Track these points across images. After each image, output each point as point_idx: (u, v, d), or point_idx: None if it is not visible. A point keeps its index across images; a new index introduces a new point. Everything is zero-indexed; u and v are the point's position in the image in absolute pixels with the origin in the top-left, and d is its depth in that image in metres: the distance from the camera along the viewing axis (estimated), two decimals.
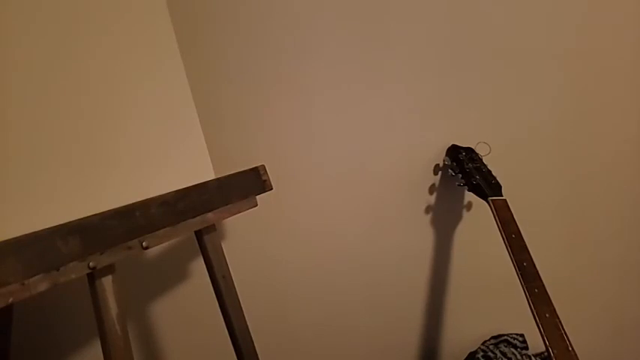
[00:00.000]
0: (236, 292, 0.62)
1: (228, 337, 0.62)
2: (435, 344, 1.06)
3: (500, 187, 0.90)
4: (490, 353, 0.93)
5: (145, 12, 0.55)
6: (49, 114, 0.44)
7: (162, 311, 0.79)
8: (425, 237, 0.99)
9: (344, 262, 0.92)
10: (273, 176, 0.69)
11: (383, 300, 0.98)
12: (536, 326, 0.72)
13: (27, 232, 0.38)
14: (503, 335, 1.02)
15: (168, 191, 0.52)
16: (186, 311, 0.80)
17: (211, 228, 0.60)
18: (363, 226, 0.93)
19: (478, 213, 1.02)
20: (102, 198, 0.46)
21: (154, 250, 0.77)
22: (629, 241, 1.20)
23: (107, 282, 0.46)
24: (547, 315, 0.73)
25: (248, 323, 0.63)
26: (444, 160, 0.96)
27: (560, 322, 0.72)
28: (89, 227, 0.43)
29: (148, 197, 0.50)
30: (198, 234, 0.59)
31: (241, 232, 0.82)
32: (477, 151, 0.95)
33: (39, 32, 0.44)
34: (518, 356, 0.93)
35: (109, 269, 0.46)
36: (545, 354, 0.70)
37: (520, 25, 0.97)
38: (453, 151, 0.94)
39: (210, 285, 0.61)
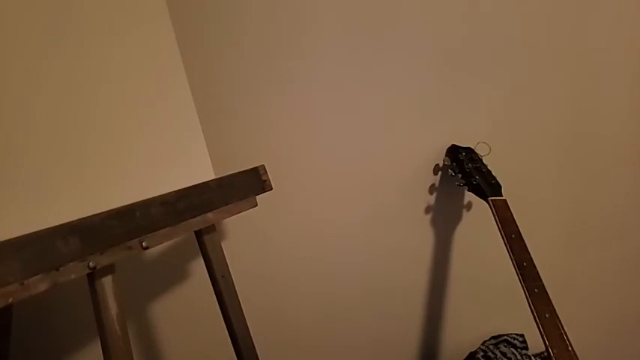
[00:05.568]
0: (236, 291, 0.62)
1: (228, 337, 0.62)
2: (435, 344, 1.06)
3: (500, 187, 0.90)
4: (490, 353, 0.93)
5: (145, 13, 0.55)
6: (49, 115, 0.44)
7: (163, 311, 0.79)
8: (425, 237, 0.99)
9: (344, 262, 0.92)
10: (273, 176, 0.69)
11: (383, 300, 0.98)
12: (536, 326, 0.72)
13: (27, 232, 0.38)
14: (503, 335, 1.02)
15: (169, 191, 0.52)
16: (186, 311, 0.80)
17: (211, 228, 0.60)
18: (363, 226, 0.93)
19: (478, 213, 1.02)
20: (102, 198, 0.46)
21: (154, 250, 0.77)
22: (629, 241, 1.20)
23: (107, 282, 0.46)
24: (547, 315, 0.73)
25: (248, 323, 0.63)
26: (443, 160, 0.96)
27: (560, 322, 0.72)
28: (89, 227, 0.43)
29: (148, 197, 0.50)
30: (198, 234, 0.59)
31: (241, 232, 0.82)
32: (477, 151, 0.95)
33: (36, 32, 0.44)
34: (518, 356, 0.93)
35: (109, 269, 0.46)
36: (545, 354, 0.70)
37: (520, 25, 0.97)
38: (453, 151, 0.94)
39: (210, 285, 0.61)
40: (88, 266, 0.43)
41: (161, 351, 0.80)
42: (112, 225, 0.45)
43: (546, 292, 0.75)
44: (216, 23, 0.75)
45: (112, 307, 0.46)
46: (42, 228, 0.39)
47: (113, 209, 0.46)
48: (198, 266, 0.80)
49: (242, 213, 0.61)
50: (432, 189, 0.97)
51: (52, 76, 0.44)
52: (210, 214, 0.56)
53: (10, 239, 0.37)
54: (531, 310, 0.73)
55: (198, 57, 0.75)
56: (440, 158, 0.96)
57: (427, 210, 0.98)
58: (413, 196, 0.96)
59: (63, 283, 0.40)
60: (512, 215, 0.84)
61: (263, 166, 0.65)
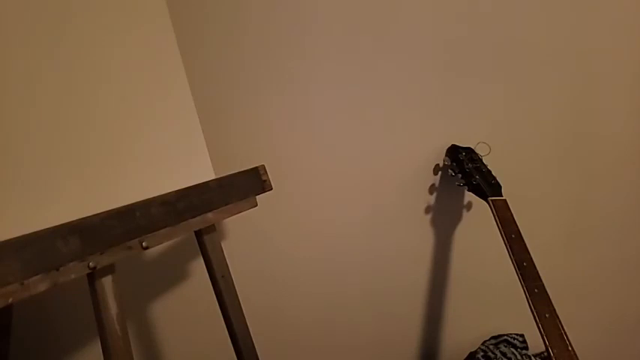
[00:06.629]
0: (236, 291, 0.62)
1: (228, 337, 0.62)
2: (435, 344, 1.06)
3: (500, 187, 0.90)
4: (490, 353, 0.93)
5: (145, 13, 0.55)
6: (49, 115, 0.44)
7: (163, 311, 0.79)
8: (425, 237, 0.99)
9: (344, 262, 0.92)
10: (273, 176, 0.69)
11: (383, 300, 0.98)
12: (536, 326, 0.72)
13: (27, 232, 0.38)
14: (503, 335, 1.02)
15: (169, 191, 0.52)
16: (186, 311, 0.80)
17: (211, 228, 0.60)
18: (363, 226, 0.93)
19: (478, 213, 1.02)
20: (102, 198, 0.46)
21: (154, 250, 0.77)
22: (629, 241, 1.20)
23: (107, 282, 0.46)
24: (547, 315, 0.73)
25: (248, 323, 0.63)
26: (443, 160, 0.96)
27: (560, 322, 0.72)
28: (89, 227, 0.43)
29: (148, 197, 0.50)
30: (198, 234, 0.59)
31: (241, 232, 0.82)
32: (477, 151, 0.95)
33: (36, 32, 0.44)
34: (518, 356, 0.93)
35: (109, 269, 0.46)
36: (545, 354, 0.70)
37: (520, 25, 0.97)
38: (453, 151, 0.94)
39: (210, 285, 0.61)
40: (88, 266, 0.43)
41: (161, 351, 0.80)
42: (112, 225, 0.45)
43: (546, 292, 0.75)
44: (216, 23, 0.75)
45: (112, 307, 0.46)
46: (42, 228, 0.39)
47: (113, 209, 0.46)
48: (198, 266, 0.80)
49: (242, 213, 0.61)
50: (432, 189, 0.97)
51: (52, 76, 0.44)
52: (210, 214, 0.56)
53: (10, 239, 0.37)
54: (531, 310, 0.73)
55: (198, 57, 0.75)
56: (440, 158, 0.96)
57: (427, 210, 0.98)
58: (413, 196, 0.96)
59: (63, 283, 0.40)
60: (512, 215, 0.84)
61: (263, 166, 0.65)
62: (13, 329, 0.64)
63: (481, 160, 0.94)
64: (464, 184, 0.91)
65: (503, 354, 0.93)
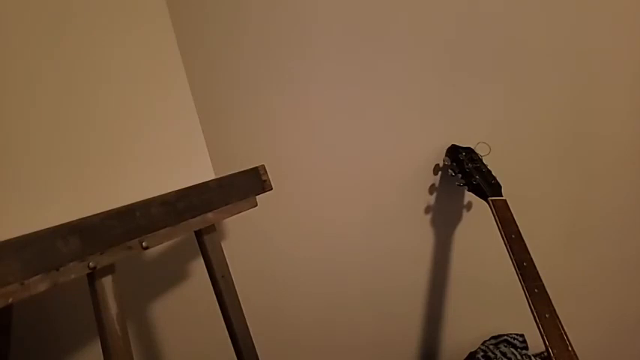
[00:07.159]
0: (236, 291, 0.62)
1: (228, 337, 0.62)
2: (435, 344, 1.06)
3: (500, 187, 0.90)
4: (490, 353, 0.93)
5: (145, 13, 0.55)
6: (49, 115, 0.44)
7: (163, 311, 0.79)
8: (425, 237, 0.99)
9: (344, 262, 0.92)
10: (273, 176, 0.69)
11: (383, 300, 0.98)
12: (536, 326, 0.72)
13: (27, 232, 0.38)
14: (503, 335, 1.02)
15: (169, 191, 0.52)
16: (186, 311, 0.80)
17: (211, 228, 0.60)
18: (363, 226, 0.93)
19: (478, 213, 1.02)
20: (102, 198, 0.46)
21: (154, 250, 0.77)
22: (629, 241, 1.20)
23: (107, 282, 0.46)
24: (547, 315, 0.73)
25: (248, 323, 0.63)
26: (443, 160, 0.96)
27: (560, 322, 0.72)
28: (89, 227, 0.43)
29: (148, 197, 0.50)
30: (198, 234, 0.59)
31: (241, 232, 0.82)
32: (477, 151, 0.95)
33: (36, 32, 0.44)
34: (518, 356, 0.93)
35: (109, 269, 0.46)
36: (545, 354, 0.70)
37: (520, 25, 0.97)
38: (453, 151, 0.94)
39: (210, 285, 0.61)
40: (88, 266, 0.43)
41: (161, 351, 0.80)
42: (112, 225, 0.45)
43: (546, 292, 0.75)
44: (216, 23, 0.75)
45: (112, 307, 0.46)
46: (42, 228, 0.39)
47: (113, 209, 0.46)
48: (198, 266, 0.80)
49: (242, 213, 0.61)
50: (432, 189, 0.97)
51: (52, 76, 0.44)
52: (210, 214, 0.56)
53: (10, 239, 0.37)
54: (531, 310, 0.73)
55: (198, 57, 0.75)
56: (440, 158, 0.96)
57: (427, 210, 0.98)
58: (413, 196, 0.96)
59: (63, 283, 0.40)
60: (512, 215, 0.84)
61: (263, 166, 0.65)
62: (13, 329, 0.64)
63: (481, 160, 0.94)
64: (464, 184, 0.91)
65: (503, 354, 0.93)
